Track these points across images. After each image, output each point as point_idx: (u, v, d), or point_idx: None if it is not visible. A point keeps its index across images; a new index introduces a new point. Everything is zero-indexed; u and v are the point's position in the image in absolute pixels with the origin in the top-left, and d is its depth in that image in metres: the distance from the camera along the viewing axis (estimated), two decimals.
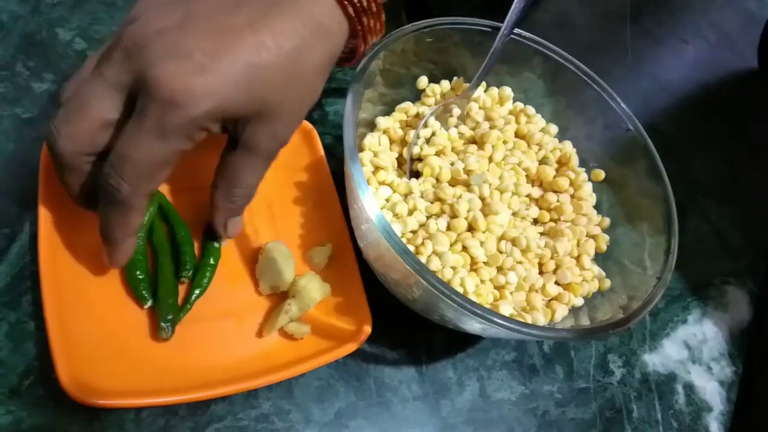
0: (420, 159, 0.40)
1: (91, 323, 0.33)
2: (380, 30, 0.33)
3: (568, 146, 0.43)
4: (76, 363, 0.30)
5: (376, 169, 0.39)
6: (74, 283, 0.33)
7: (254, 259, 0.38)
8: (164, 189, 0.39)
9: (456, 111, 0.43)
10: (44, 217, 0.34)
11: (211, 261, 0.37)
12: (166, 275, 0.35)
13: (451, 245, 0.36)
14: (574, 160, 0.42)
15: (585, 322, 0.37)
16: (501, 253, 0.37)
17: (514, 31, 0.40)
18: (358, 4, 0.30)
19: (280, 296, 0.37)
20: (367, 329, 0.36)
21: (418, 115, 0.42)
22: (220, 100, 0.27)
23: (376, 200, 0.38)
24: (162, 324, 0.33)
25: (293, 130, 0.31)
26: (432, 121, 0.42)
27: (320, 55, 0.29)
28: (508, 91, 0.44)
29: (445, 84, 0.43)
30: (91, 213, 0.31)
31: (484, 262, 0.36)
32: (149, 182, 0.28)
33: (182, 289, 0.36)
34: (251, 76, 0.27)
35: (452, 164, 0.39)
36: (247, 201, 0.33)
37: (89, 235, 0.35)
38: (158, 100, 0.26)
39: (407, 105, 0.43)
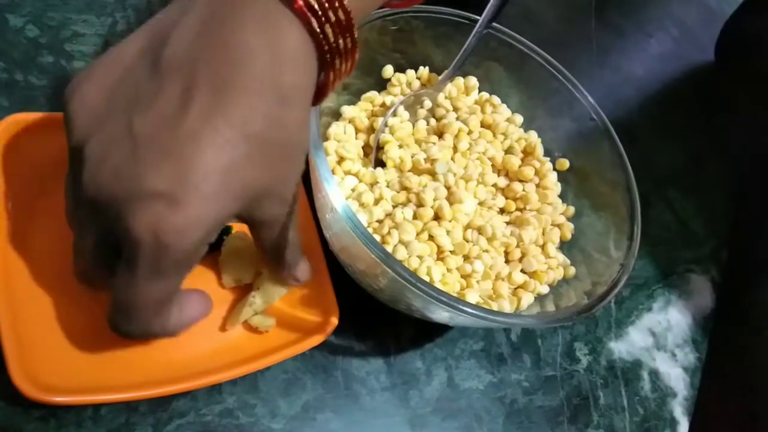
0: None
1: (45, 318, 0.31)
2: (351, 68, 0.28)
3: (533, 136, 0.43)
4: (30, 360, 0.29)
5: (341, 158, 0.38)
6: (26, 278, 0.32)
7: (217, 251, 0.37)
8: None
9: (427, 103, 0.42)
10: None
11: None
12: None
13: (418, 234, 0.36)
14: (539, 150, 0.42)
15: (551, 309, 0.37)
16: (467, 241, 0.37)
17: (479, 21, 0.40)
18: (333, 42, 0.25)
19: (244, 289, 0.37)
20: (334, 320, 0.35)
21: (384, 105, 0.42)
22: (207, 222, 0.24)
23: (342, 190, 0.37)
24: None
25: (294, 185, 0.29)
26: (401, 110, 0.42)
27: (295, 117, 0.26)
28: (473, 81, 0.44)
29: (411, 73, 0.43)
30: (44, 210, 0.29)
31: (450, 251, 0.36)
32: (160, 315, 0.27)
33: None
34: (228, 180, 0.24)
35: (413, 156, 0.39)
36: (296, 251, 0.33)
37: (42, 229, 0.34)
38: (145, 248, 0.24)
39: (373, 94, 0.42)
